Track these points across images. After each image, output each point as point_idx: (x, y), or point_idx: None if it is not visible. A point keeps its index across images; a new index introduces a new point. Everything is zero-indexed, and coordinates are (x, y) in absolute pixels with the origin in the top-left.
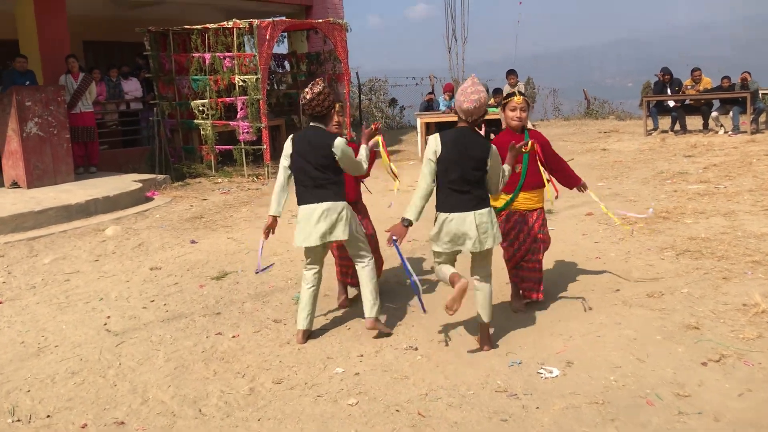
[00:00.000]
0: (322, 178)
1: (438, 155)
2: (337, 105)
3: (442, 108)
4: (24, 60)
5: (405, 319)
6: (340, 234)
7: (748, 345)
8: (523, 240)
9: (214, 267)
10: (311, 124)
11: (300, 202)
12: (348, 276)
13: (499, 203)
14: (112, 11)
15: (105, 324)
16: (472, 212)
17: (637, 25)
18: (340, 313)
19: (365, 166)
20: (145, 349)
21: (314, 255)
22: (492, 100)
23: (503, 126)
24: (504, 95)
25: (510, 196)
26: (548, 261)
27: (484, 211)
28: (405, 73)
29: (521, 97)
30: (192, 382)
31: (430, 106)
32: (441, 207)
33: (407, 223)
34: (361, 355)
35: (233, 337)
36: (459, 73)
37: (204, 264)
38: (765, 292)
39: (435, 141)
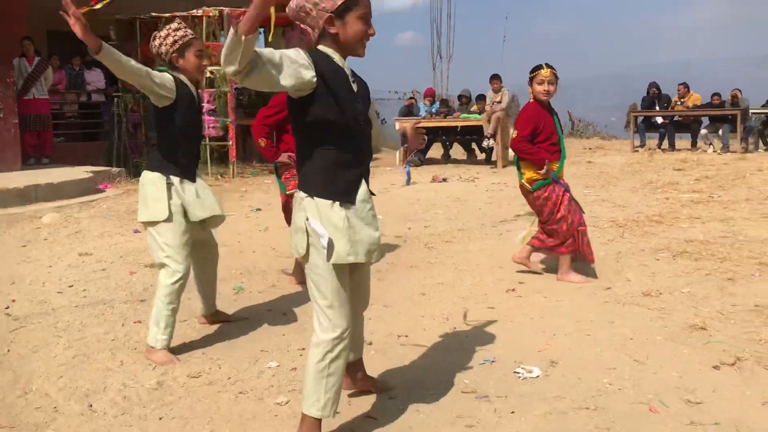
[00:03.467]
0: (147, 139)
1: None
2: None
3: (423, 113)
4: None
5: None
6: (141, 215)
7: (767, 348)
8: (569, 202)
9: (150, 255)
10: None
11: None
12: None
13: (538, 175)
14: (78, 1)
15: (7, 308)
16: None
17: (620, 61)
18: (288, 294)
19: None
20: (44, 335)
21: None
22: (475, 107)
23: (486, 132)
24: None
25: (559, 163)
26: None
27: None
28: (391, 88)
29: (549, 69)
30: (90, 373)
31: (410, 111)
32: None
33: None
34: (303, 349)
35: None
36: (444, 90)
37: (141, 252)
38: None
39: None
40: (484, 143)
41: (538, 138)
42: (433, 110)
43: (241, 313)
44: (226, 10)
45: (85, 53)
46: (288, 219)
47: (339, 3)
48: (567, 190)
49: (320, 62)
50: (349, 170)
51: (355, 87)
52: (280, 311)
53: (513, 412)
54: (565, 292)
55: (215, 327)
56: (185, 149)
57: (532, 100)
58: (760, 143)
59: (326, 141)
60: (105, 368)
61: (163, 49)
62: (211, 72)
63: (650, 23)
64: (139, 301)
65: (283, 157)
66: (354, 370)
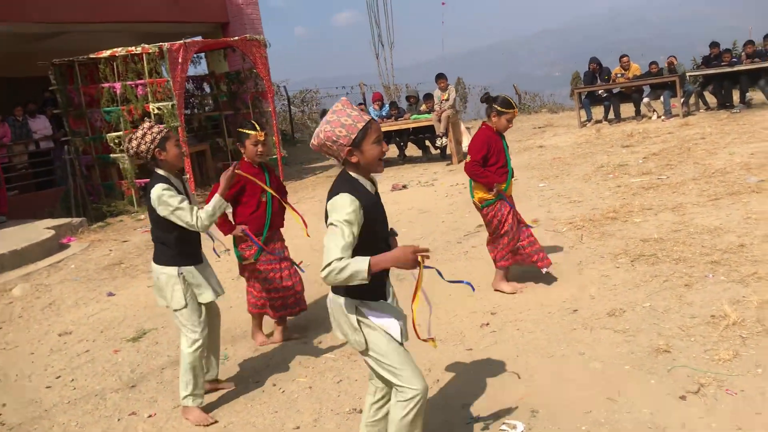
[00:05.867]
0: (153, 235)
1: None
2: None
3: (374, 118)
4: None
5: (345, 373)
6: (161, 302)
7: (726, 368)
8: (513, 219)
9: (131, 325)
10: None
11: None
12: (266, 307)
13: (488, 195)
14: (12, 46)
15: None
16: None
17: (557, 15)
18: (273, 360)
19: (204, 219)
20: None
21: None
22: (423, 106)
23: (438, 132)
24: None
25: (505, 184)
26: None
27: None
28: (338, 82)
29: (517, 108)
30: None
31: None
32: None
33: None
34: (298, 428)
35: (149, 417)
36: (389, 78)
37: (120, 322)
38: (732, 298)
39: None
40: (438, 142)
41: (489, 161)
42: (384, 113)
43: (228, 384)
44: (165, 45)
45: (26, 102)
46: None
47: (354, 137)
48: (512, 207)
49: (362, 198)
50: (381, 273)
51: (377, 198)
52: (270, 382)
53: None
54: (536, 320)
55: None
56: (190, 239)
57: (486, 126)
58: (700, 103)
59: (364, 254)
60: None
61: (143, 147)
62: (158, 108)
63: None
64: (129, 388)
65: (237, 231)
66: None
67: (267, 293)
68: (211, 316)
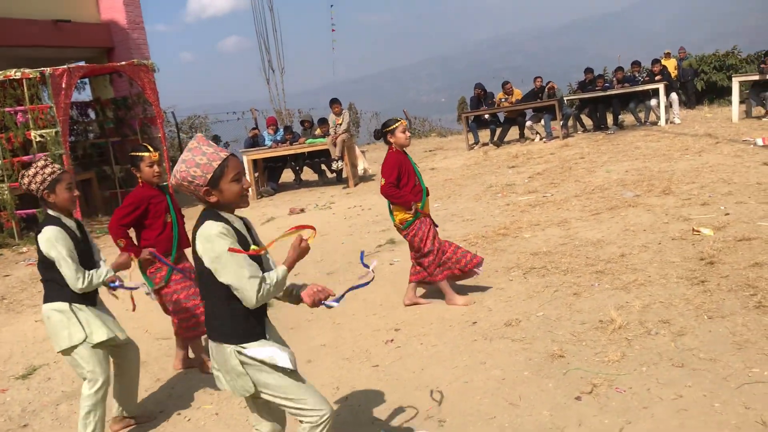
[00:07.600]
0: (41, 274)
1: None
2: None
3: (268, 143)
4: None
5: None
6: (57, 346)
7: (615, 368)
8: (434, 236)
9: (19, 362)
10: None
11: None
12: (189, 329)
13: (407, 215)
14: None
15: None
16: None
17: (442, 44)
18: (175, 388)
19: (93, 281)
20: None
21: None
22: (318, 130)
23: (334, 155)
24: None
25: (421, 203)
26: (399, 299)
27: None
28: (227, 107)
29: (403, 119)
30: None
31: (255, 141)
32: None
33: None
34: None
35: None
36: (280, 103)
37: (6, 360)
38: (616, 304)
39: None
40: (334, 166)
41: (402, 182)
42: (278, 138)
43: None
44: (48, 70)
45: None
46: (163, 307)
47: (209, 176)
48: (432, 224)
49: (232, 230)
50: (259, 310)
51: (249, 239)
52: (175, 411)
53: None
54: (438, 334)
55: None
56: None
57: (391, 150)
58: (578, 126)
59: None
60: None
61: (33, 186)
62: (40, 135)
63: (466, 4)
64: (20, 427)
65: (144, 254)
66: None
67: (185, 312)
68: (125, 349)
